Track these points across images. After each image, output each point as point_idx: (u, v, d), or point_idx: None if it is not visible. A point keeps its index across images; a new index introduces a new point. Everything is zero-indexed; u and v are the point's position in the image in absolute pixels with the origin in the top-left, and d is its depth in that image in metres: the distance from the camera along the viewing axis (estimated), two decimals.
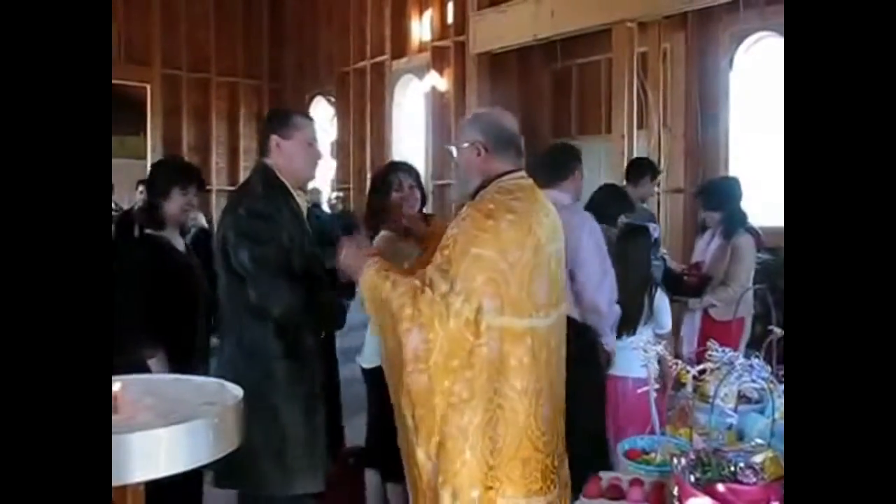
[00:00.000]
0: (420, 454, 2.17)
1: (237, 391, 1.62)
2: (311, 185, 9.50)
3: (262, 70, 11.96)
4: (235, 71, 11.71)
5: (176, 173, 3.19)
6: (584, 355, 2.91)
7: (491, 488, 2.13)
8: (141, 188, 6.32)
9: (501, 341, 2.12)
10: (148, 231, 3.08)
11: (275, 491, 2.58)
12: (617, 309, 3.28)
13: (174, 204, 3.09)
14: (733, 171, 6.75)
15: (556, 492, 2.21)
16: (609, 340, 3.33)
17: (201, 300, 3.10)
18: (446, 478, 2.14)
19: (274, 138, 2.63)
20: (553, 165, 3.43)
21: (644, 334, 3.41)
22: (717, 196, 4.41)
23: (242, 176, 11.73)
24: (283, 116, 2.74)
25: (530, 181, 2.33)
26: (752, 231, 4.36)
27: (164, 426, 1.38)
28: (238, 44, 11.67)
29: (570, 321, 3.07)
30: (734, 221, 4.26)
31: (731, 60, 7.19)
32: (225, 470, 2.40)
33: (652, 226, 3.93)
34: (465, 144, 2.33)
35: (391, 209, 3.06)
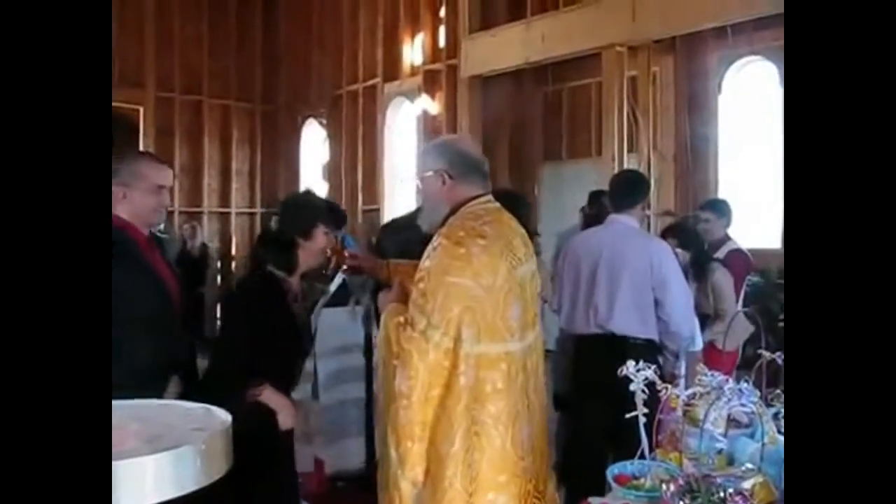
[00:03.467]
0: (404, 484, 2.16)
1: (225, 416, 1.61)
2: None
3: (254, 93, 12.00)
4: (228, 93, 11.73)
5: (322, 210, 2.74)
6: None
7: None
8: None
9: (478, 368, 2.12)
10: (271, 269, 2.66)
11: None
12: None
13: (315, 245, 2.68)
14: (723, 193, 6.80)
15: None
16: (680, 364, 3.34)
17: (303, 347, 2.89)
18: None
19: None
20: (627, 192, 3.55)
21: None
22: (682, 236, 4.36)
23: (234, 197, 11.77)
24: None
25: (497, 205, 2.32)
26: (722, 262, 4.31)
27: (150, 453, 1.37)
28: (231, 67, 11.71)
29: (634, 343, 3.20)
30: (700, 261, 4.17)
31: (719, 84, 7.26)
32: None
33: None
34: (429, 174, 2.30)
35: None
